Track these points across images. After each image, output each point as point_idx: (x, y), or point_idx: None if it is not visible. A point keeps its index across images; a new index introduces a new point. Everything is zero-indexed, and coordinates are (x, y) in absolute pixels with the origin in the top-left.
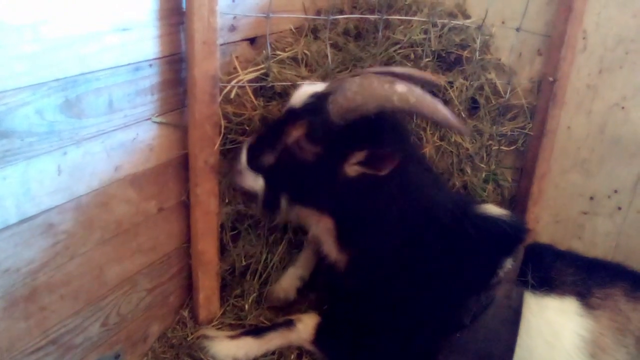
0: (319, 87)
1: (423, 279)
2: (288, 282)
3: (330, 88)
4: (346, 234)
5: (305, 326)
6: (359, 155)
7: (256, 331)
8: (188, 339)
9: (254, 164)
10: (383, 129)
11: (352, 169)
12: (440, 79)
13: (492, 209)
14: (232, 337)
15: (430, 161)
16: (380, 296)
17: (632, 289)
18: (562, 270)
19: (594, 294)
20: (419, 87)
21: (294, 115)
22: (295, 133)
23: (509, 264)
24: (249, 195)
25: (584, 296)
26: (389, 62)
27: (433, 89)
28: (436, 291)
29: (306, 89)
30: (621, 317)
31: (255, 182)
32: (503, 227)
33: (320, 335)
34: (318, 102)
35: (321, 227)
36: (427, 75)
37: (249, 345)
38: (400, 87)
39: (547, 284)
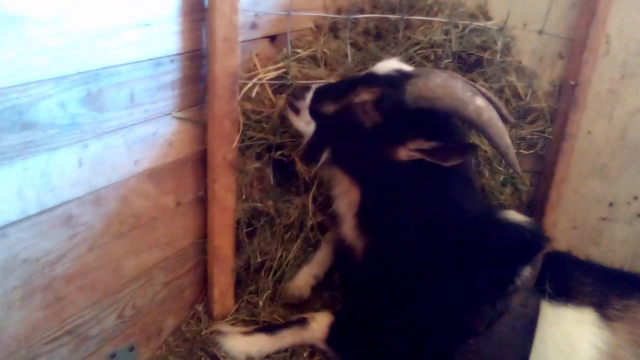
0: (405, 66)
1: (440, 280)
2: (303, 280)
3: (416, 72)
4: (369, 214)
5: (319, 325)
6: (424, 144)
7: (269, 328)
8: (202, 333)
9: (314, 108)
10: (446, 127)
11: (407, 153)
12: (512, 119)
13: (514, 216)
14: (246, 334)
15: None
16: (395, 293)
17: None
18: (581, 280)
19: (613, 306)
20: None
21: (371, 79)
22: (365, 95)
23: (527, 272)
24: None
25: (602, 307)
26: (409, 62)
27: None
28: (452, 294)
29: (393, 63)
30: None
31: (307, 126)
32: (523, 235)
33: (334, 334)
34: (399, 77)
35: (347, 199)
36: (502, 107)
37: (262, 342)
38: (480, 100)
39: (565, 294)
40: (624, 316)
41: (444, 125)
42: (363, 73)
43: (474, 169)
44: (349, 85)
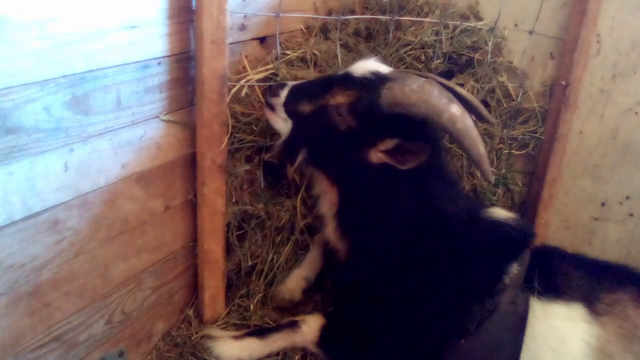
0: (382, 67)
1: (424, 281)
2: (293, 283)
3: (393, 75)
4: (348, 216)
5: (310, 328)
6: (388, 143)
7: (260, 332)
8: (192, 338)
9: (290, 107)
10: (420, 132)
11: (377, 155)
12: (493, 119)
13: (499, 213)
14: (236, 338)
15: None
16: (380, 295)
17: None
18: (569, 274)
19: (602, 300)
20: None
21: (347, 81)
22: (341, 98)
23: (514, 269)
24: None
25: (591, 302)
26: (400, 63)
27: None
28: (439, 294)
29: (371, 64)
30: (629, 323)
31: (283, 124)
32: (509, 232)
33: (325, 337)
34: (376, 81)
35: (327, 200)
36: (484, 110)
37: (253, 346)
38: (455, 109)
39: (554, 290)
40: (612, 310)
41: (418, 131)
42: (341, 72)
43: (465, 170)
44: (325, 85)
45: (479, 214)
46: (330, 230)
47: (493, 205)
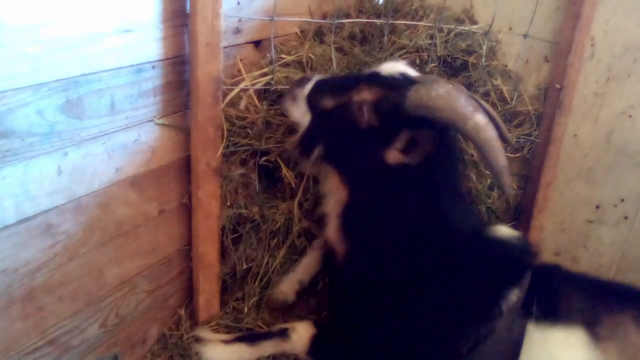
0: (411, 70)
1: (420, 296)
2: (287, 286)
3: (421, 78)
4: (352, 217)
5: (300, 337)
6: (402, 139)
7: (250, 338)
8: (184, 339)
9: (312, 100)
10: (441, 137)
11: (393, 155)
12: (511, 141)
13: (503, 232)
14: (226, 342)
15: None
16: (373, 304)
17: None
18: (569, 296)
19: (603, 323)
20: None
21: (374, 78)
22: (366, 94)
23: (514, 295)
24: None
25: (592, 325)
26: None
27: None
28: (433, 312)
29: (400, 66)
30: (631, 348)
31: (303, 117)
32: (511, 253)
33: (315, 347)
34: (403, 81)
35: (334, 198)
36: (504, 127)
37: (242, 351)
38: (481, 118)
39: (553, 314)
40: (614, 335)
41: (437, 136)
42: (367, 71)
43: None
44: (351, 81)
45: (483, 233)
46: (331, 230)
47: (495, 211)
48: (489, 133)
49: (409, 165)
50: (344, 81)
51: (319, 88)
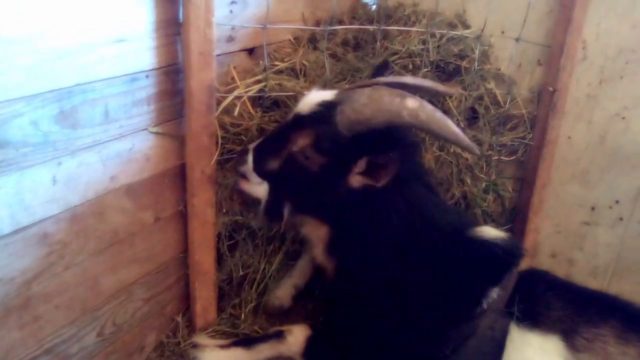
0: (327, 95)
1: (403, 300)
2: (283, 291)
3: (339, 97)
4: (337, 243)
5: (295, 339)
6: (361, 164)
7: (247, 342)
8: (181, 346)
9: (259, 169)
10: (391, 142)
11: (355, 179)
12: (452, 90)
13: (488, 232)
14: (223, 347)
15: (432, 177)
16: (362, 311)
17: (624, 328)
18: (551, 303)
19: (582, 334)
20: (428, 97)
21: (300, 122)
22: (301, 141)
23: (494, 294)
24: (252, 201)
25: (569, 335)
26: (388, 72)
27: (433, 99)
28: (416, 314)
29: (314, 96)
30: None
31: (259, 188)
32: (494, 253)
33: (310, 348)
34: (326, 111)
35: (316, 235)
36: (439, 86)
37: (239, 355)
38: (411, 103)
39: (532, 318)
40: (591, 346)
41: (387, 143)
42: (290, 116)
43: (455, 177)
44: (282, 135)
45: (465, 233)
46: (318, 253)
47: (482, 223)
48: (426, 111)
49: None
50: (276, 138)
51: (260, 155)
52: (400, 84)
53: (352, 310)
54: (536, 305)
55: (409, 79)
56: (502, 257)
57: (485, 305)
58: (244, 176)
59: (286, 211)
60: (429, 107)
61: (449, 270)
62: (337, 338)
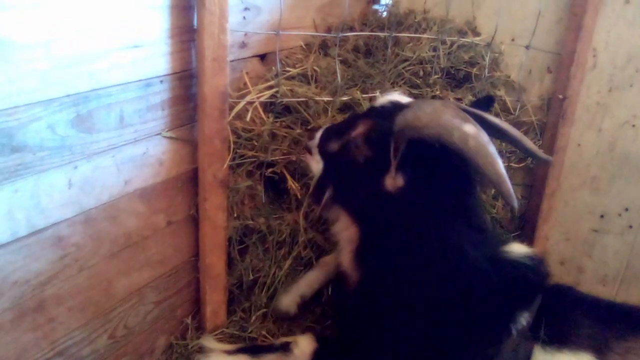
0: (405, 98)
1: (430, 318)
2: (289, 299)
3: (412, 102)
4: (367, 250)
5: (301, 352)
6: (395, 163)
7: (253, 350)
8: (190, 347)
9: (322, 148)
10: (440, 163)
11: (389, 181)
12: (544, 155)
13: (517, 250)
14: (229, 353)
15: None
16: (381, 328)
17: None
18: (579, 320)
19: (613, 349)
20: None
21: (369, 113)
22: (360, 129)
23: (524, 320)
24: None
25: (601, 352)
26: (398, 79)
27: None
28: (441, 335)
29: (392, 95)
30: None
31: (317, 166)
32: (525, 275)
33: None
34: (392, 109)
35: (346, 236)
36: (527, 142)
37: None
38: (468, 127)
39: (561, 338)
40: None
41: (432, 157)
42: (367, 108)
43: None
44: (351, 121)
45: (496, 253)
46: (345, 260)
47: (501, 220)
48: (479, 140)
49: (411, 190)
50: (345, 122)
51: (326, 135)
52: (481, 119)
53: (371, 324)
54: (563, 324)
55: (493, 119)
56: (532, 280)
57: (514, 332)
58: (309, 150)
59: (326, 195)
60: (485, 138)
61: (479, 291)
62: (348, 353)
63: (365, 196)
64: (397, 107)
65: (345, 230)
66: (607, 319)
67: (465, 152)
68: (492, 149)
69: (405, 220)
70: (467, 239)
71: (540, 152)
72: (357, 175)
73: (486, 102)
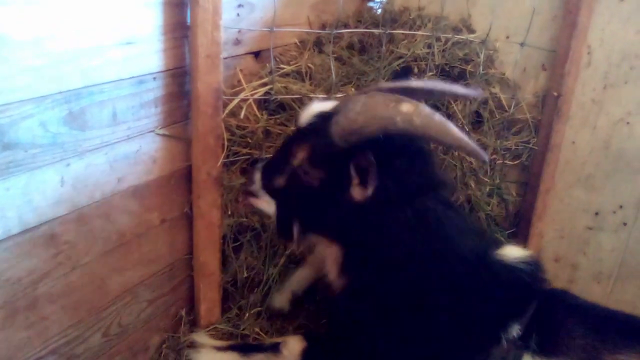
0: (326, 105)
1: (415, 323)
2: (282, 296)
3: (337, 107)
4: (352, 263)
5: (290, 352)
6: (354, 174)
7: (243, 348)
8: (183, 341)
9: (267, 186)
10: (394, 153)
11: (355, 192)
12: (478, 92)
13: (512, 253)
14: (219, 349)
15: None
16: (368, 331)
17: None
18: (572, 330)
19: None
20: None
21: (299, 136)
22: (300, 156)
23: (514, 331)
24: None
25: None
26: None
27: (437, 103)
28: (425, 344)
29: (314, 108)
30: None
31: (269, 206)
32: (519, 280)
33: None
34: (321, 122)
35: (330, 256)
36: (457, 88)
37: None
38: (406, 107)
39: (551, 348)
40: None
41: (389, 154)
42: (293, 130)
43: (459, 181)
44: (285, 151)
45: (488, 256)
46: (332, 273)
47: (495, 218)
48: (422, 115)
49: (381, 191)
50: (281, 152)
51: (266, 173)
52: (406, 89)
53: (356, 330)
54: (555, 334)
55: (416, 83)
56: (526, 287)
57: (502, 340)
58: (254, 195)
59: (295, 229)
60: (426, 110)
61: (469, 297)
62: (337, 352)
63: (336, 215)
64: (325, 118)
65: (326, 249)
66: (602, 329)
67: (415, 132)
68: (437, 117)
69: (379, 223)
70: (458, 238)
71: (472, 91)
72: (319, 199)
73: (404, 73)
